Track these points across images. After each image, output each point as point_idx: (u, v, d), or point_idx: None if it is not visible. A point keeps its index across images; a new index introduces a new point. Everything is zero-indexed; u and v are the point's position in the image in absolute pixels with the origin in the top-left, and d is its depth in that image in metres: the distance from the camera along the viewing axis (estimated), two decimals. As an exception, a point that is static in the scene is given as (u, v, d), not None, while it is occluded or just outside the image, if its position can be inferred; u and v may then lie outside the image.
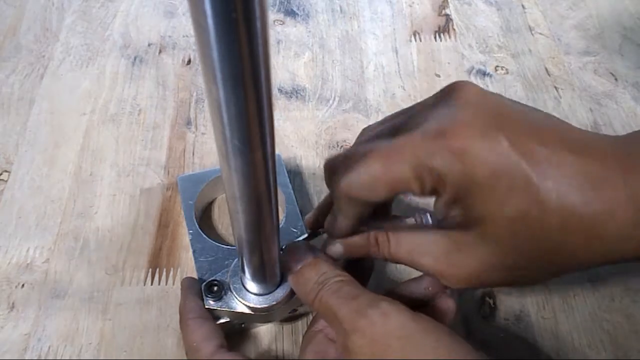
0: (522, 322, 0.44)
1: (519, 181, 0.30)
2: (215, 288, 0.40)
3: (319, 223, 0.41)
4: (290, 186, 0.47)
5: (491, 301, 0.44)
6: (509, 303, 0.44)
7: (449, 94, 0.34)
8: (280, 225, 0.43)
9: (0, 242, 0.47)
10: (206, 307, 0.39)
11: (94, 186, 0.50)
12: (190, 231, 0.45)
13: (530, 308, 0.44)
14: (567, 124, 0.33)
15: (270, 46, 0.22)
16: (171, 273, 0.45)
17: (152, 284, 0.45)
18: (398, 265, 0.46)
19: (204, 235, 0.44)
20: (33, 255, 0.46)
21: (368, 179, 0.33)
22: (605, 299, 0.45)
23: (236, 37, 0.20)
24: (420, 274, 0.37)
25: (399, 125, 0.35)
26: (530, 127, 0.32)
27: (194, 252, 0.43)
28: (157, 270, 0.46)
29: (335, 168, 0.35)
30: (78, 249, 0.47)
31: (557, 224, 0.31)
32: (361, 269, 0.41)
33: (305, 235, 0.42)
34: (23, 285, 0.45)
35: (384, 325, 0.32)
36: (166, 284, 0.45)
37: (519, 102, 0.34)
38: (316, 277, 0.36)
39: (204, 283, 0.40)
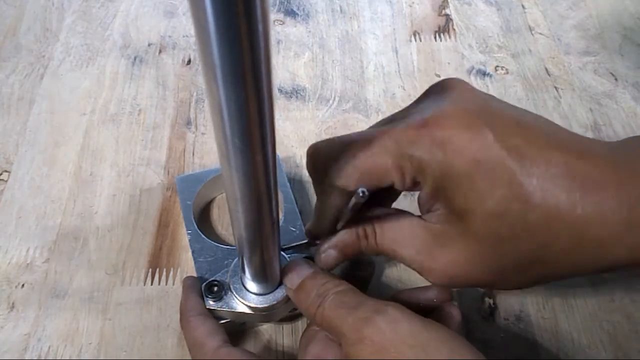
0: (522, 322, 0.43)
1: (502, 175, 0.29)
2: (216, 288, 0.40)
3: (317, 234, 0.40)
4: (288, 185, 0.47)
5: (491, 301, 0.44)
6: (509, 303, 0.44)
7: (438, 90, 0.33)
8: (279, 225, 0.43)
9: (0, 242, 0.47)
10: (207, 307, 0.39)
11: (94, 186, 0.50)
12: (189, 231, 0.45)
13: (530, 308, 0.44)
14: (559, 126, 0.33)
15: (271, 44, 0.22)
16: (171, 273, 0.45)
17: (152, 284, 0.45)
18: (398, 272, 0.46)
19: (203, 236, 0.44)
20: (33, 255, 0.46)
21: (348, 166, 0.32)
22: (605, 299, 0.45)
23: (237, 36, 0.20)
24: (427, 283, 0.37)
25: (388, 120, 0.35)
26: (519, 124, 0.31)
27: (193, 252, 0.43)
28: (157, 270, 0.46)
29: (317, 154, 0.34)
30: (78, 249, 0.47)
31: (540, 223, 0.30)
32: (360, 277, 0.41)
33: (305, 240, 0.42)
34: (23, 285, 0.45)
35: (394, 333, 0.30)
36: (166, 284, 0.45)
37: (510, 104, 0.33)
38: (315, 289, 0.35)
39: (204, 283, 0.40)
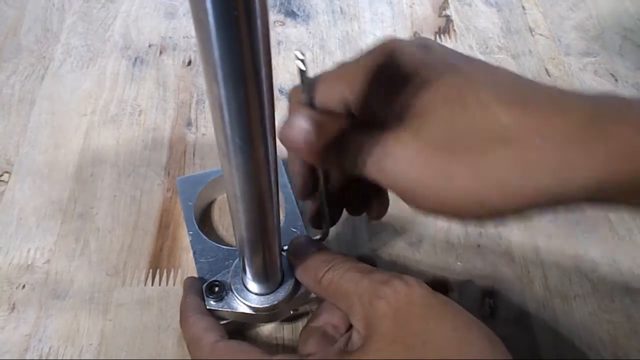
0: (522, 322, 0.43)
1: (451, 71, 0.29)
2: (217, 289, 0.40)
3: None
4: (289, 186, 0.47)
5: (491, 301, 0.44)
6: (509, 303, 0.44)
7: None
8: (280, 225, 0.43)
9: (1, 243, 0.47)
10: (208, 308, 0.39)
11: (95, 187, 0.50)
12: (190, 232, 0.45)
13: (530, 308, 0.44)
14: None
15: (270, 43, 0.22)
16: (172, 274, 0.45)
17: (152, 285, 0.45)
18: (399, 266, 0.46)
19: (204, 237, 0.44)
20: (34, 256, 0.46)
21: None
22: (605, 299, 0.45)
23: (237, 35, 0.20)
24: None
25: None
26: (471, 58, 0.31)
27: (194, 253, 0.43)
28: (158, 271, 0.46)
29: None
30: (79, 250, 0.47)
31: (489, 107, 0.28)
32: None
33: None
34: (24, 286, 0.45)
35: (408, 294, 0.32)
36: (167, 285, 0.45)
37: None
38: (324, 261, 0.36)
39: (205, 284, 0.40)
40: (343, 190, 0.37)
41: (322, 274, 0.35)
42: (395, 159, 0.30)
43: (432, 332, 0.31)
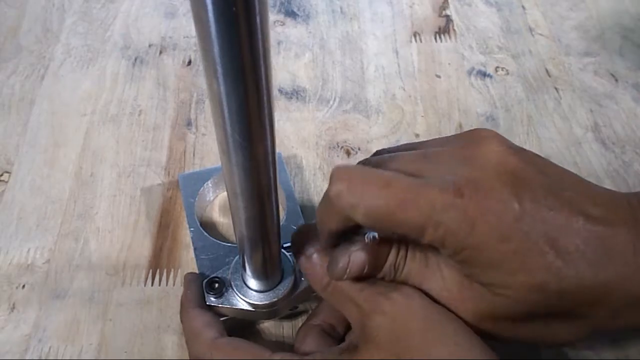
0: (523, 321, 0.43)
1: (532, 252, 0.30)
2: (217, 285, 0.40)
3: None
4: (291, 184, 0.47)
5: (492, 301, 0.44)
6: (510, 303, 0.44)
7: (471, 146, 0.33)
8: (281, 224, 0.43)
9: (0, 242, 0.47)
10: (207, 304, 0.39)
11: (95, 187, 0.50)
12: (192, 229, 0.45)
13: (531, 308, 0.44)
14: (585, 183, 0.33)
15: (270, 41, 0.22)
16: (172, 274, 0.45)
17: (152, 285, 0.45)
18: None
19: (205, 233, 0.44)
20: (34, 255, 0.46)
21: (377, 209, 0.30)
22: (607, 298, 0.45)
23: (236, 32, 0.20)
24: None
25: (417, 163, 0.33)
26: (548, 191, 0.31)
27: (195, 249, 0.43)
28: (158, 270, 0.46)
29: (347, 180, 0.31)
30: (78, 250, 0.46)
31: (572, 292, 0.30)
32: None
33: None
34: (24, 286, 0.45)
35: (407, 306, 0.32)
36: (167, 285, 0.45)
37: (540, 158, 0.34)
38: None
39: (205, 280, 0.40)
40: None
41: (327, 280, 0.35)
42: (472, 300, 0.33)
43: (431, 345, 0.31)
